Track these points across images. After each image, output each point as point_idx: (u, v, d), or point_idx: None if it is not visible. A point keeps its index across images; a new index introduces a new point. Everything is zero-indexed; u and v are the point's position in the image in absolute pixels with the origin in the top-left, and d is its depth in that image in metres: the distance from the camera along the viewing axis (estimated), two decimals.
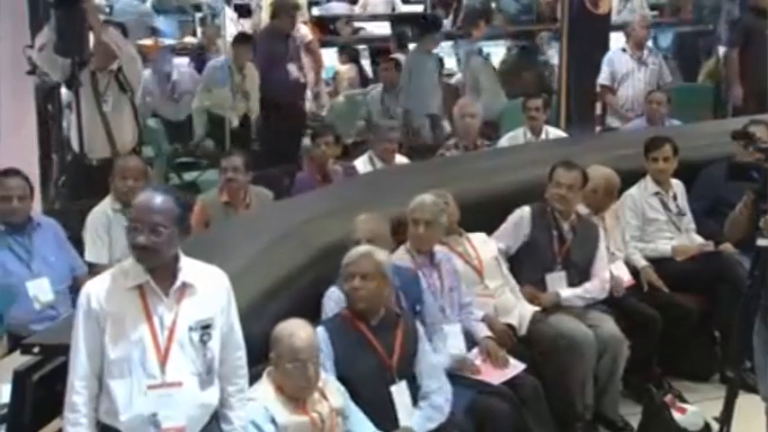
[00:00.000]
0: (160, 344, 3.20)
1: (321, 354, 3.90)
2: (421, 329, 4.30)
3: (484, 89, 9.51)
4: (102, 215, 5.43)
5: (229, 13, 10.72)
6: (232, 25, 10.57)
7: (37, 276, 4.96)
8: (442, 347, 4.53)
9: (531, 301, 5.16)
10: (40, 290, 4.93)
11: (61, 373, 3.49)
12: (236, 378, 3.39)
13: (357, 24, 11.79)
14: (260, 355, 3.72)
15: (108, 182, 5.53)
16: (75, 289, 5.00)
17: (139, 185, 5.44)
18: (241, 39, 8.91)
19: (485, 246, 5.20)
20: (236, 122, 8.38)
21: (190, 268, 3.29)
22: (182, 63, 9.65)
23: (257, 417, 3.52)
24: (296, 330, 3.68)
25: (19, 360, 3.46)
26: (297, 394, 3.65)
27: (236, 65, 8.51)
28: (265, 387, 3.65)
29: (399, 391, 4.05)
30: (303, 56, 9.32)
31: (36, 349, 3.44)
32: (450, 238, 5.08)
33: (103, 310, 3.18)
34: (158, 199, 3.20)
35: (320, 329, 4.02)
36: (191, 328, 3.23)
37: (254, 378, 3.63)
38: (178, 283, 3.24)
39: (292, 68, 8.58)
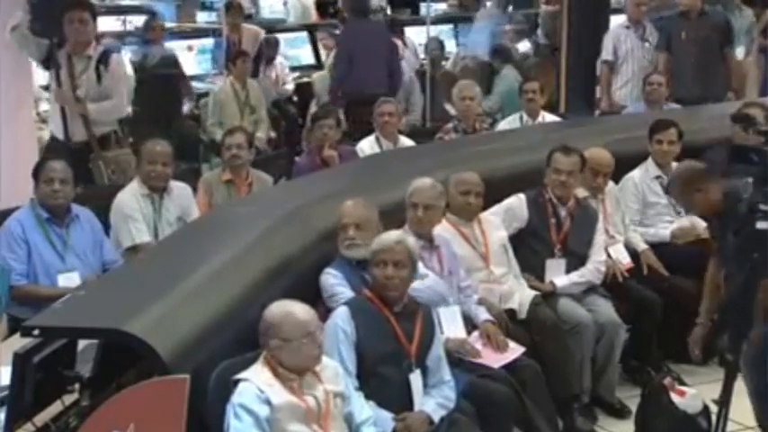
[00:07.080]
0: None
1: (341, 333, 3.92)
2: (437, 319, 4.29)
3: None
4: (132, 199, 5.46)
5: None
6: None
7: (69, 270, 5.02)
8: None
9: None
10: (70, 282, 4.97)
11: (61, 356, 3.50)
12: None
13: None
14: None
15: (87, 166, 5.68)
16: None
17: (168, 171, 5.50)
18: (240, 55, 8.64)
19: (495, 231, 5.18)
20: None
21: None
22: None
23: (248, 400, 3.46)
24: (292, 308, 3.58)
25: (19, 342, 3.45)
26: (303, 368, 3.57)
27: (239, 82, 8.41)
28: (260, 369, 3.57)
29: (416, 380, 4.05)
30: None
31: (36, 332, 3.43)
32: (458, 220, 5.09)
33: None
34: None
35: (344, 308, 4.02)
36: None
37: (254, 361, 3.62)
38: None
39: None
